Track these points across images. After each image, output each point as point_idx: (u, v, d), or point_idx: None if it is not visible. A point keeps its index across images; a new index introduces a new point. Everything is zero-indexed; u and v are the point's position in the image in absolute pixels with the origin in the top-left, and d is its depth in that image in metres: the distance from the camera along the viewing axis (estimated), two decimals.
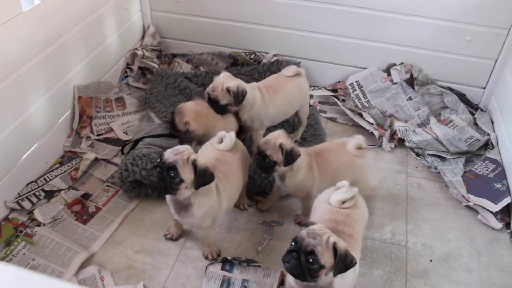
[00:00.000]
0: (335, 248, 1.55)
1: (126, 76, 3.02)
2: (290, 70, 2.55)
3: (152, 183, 1.84)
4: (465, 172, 2.57)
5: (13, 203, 2.23)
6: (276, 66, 3.06)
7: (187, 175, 1.78)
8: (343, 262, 1.55)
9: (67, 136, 2.57)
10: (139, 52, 3.01)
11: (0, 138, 2.11)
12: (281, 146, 2.01)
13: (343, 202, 1.90)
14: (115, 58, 2.92)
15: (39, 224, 2.19)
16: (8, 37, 2.05)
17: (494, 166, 2.58)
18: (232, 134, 2.13)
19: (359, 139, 2.18)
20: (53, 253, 2.09)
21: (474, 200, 2.42)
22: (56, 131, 2.48)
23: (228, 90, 2.32)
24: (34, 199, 2.29)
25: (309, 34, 3.02)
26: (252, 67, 3.08)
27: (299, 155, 2.06)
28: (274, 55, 3.11)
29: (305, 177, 2.14)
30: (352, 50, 3.00)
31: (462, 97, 2.96)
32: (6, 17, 2.02)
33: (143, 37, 3.17)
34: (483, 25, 2.73)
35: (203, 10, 3.07)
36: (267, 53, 3.11)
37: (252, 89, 2.42)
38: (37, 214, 2.21)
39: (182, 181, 1.78)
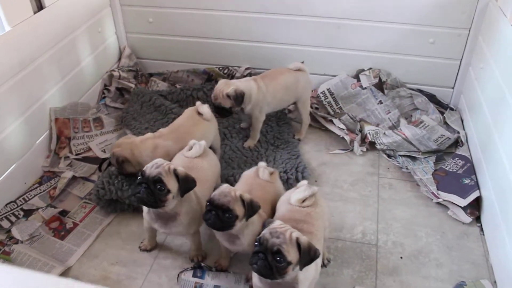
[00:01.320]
0: (298, 243, 1.61)
1: (104, 97, 3.11)
2: (293, 64, 2.81)
3: (140, 200, 1.86)
4: (435, 170, 2.62)
5: None
6: None
7: (172, 185, 1.85)
8: (307, 255, 1.62)
9: (45, 157, 2.66)
10: (116, 73, 3.11)
11: None
12: (241, 198, 1.81)
13: (303, 201, 1.96)
14: (91, 80, 3.03)
15: (17, 242, 2.26)
16: None
17: (463, 162, 2.62)
18: (202, 143, 2.24)
19: (265, 166, 2.16)
20: (30, 268, 2.14)
21: (444, 196, 2.46)
22: (34, 152, 2.57)
23: (228, 96, 2.55)
24: (13, 219, 2.36)
25: (278, 46, 3.12)
26: None
27: (260, 206, 1.87)
28: (247, 69, 3.21)
29: (258, 226, 1.92)
30: (321, 59, 3.09)
31: (433, 98, 3.02)
32: None
33: (120, 59, 3.29)
34: (444, 26, 2.81)
35: (174, 29, 3.19)
36: (239, 67, 3.21)
37: (247, 83, 2.65)
38: (14, 232, 2.28)
39: (169, 191, 1.85)
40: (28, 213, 2.41)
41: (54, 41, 2.65)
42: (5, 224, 2.33)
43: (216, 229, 1.86)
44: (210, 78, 3.24)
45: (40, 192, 2.52)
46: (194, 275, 2.16)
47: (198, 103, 2.57)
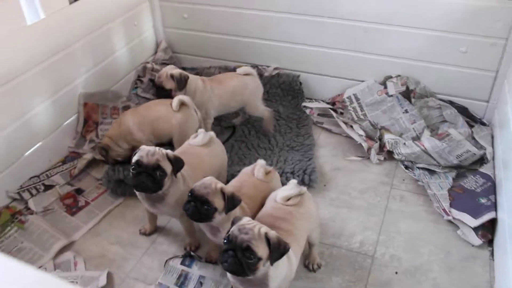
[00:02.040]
0: (267, 238, 1.61)
1: (136, 87, 3.27)
2: (242, 69, 2.85)
3: (144, 188, 1.99)
4: (452, 186, 2.47)
5: (15, 193, 2.51)
6: (276, 79, 3.18)
7: (168, 168, 1.98)
8: (277, 250, 1.62)
9: (72, 138, 2.84)
10: (149, 65, 3.26)
11: (4, 133, 2.40)
12: (222, 191, 1.84)
13: (288, 200, 1.94)
14: (125, 70, 3.19)
15: (32, 213, 2.45)
16: (10, 47, 2.37)
17: (484, 181, 2.45)
18: (210, 133, 2.34)
19: (263, 164, 2.15)
20: (39, 238, 2.32)
21: (455, 214, 2.32)
22: (61, 133, 2.76)
23: (172, 76, 2.64)
24: (34, 192, 2.55)
25: (307, 47, 3.09)
26: None
27: (240, 200, 1.89)
28: (275, 69, 3.22)
29: None
30: (350, 63, 3.02)
31: (464, 111, 2.84)
32: (9, 30, 2.34)
33: (156, 52, 3.43)
34: (477, 34, 2.64)
35: (207, 26, 3.27)
36: (268, 66, 3.23)
37: (195, 79, 2.72)
38: (30, 204, 2.47)
39: (166, 175, 1.97)
40: (48, 188, 2.60)
41: (88, 31, 2.82)
42: (26, 196, 2.53)
43: (194, 219, 1.89)
44: None
45: (62, 171, 2.70)
46: (182, 263, 2.22)
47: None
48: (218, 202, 1.83)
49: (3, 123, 2.41)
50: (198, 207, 1.83)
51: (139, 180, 1.96)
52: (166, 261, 2.21)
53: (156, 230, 2.39)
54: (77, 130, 2.87)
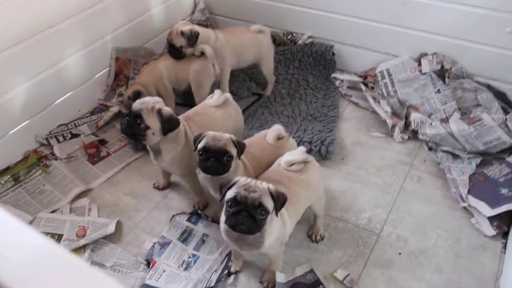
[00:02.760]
0: (270, 192, 1.64)
1: None
2: (255, 26, 2.90)
3: (121, 130, 2.06)
4: (475, 173, 2.36)
5: (43, 139, 2.64)
6: (309, 47, 3.11)
7: (152, 122, 1.99)
8: (279, 201, 1.66)
9: (102, 91, 2.93)
10: None
11: (37, 80, 2.51)
12: (232, 140, 1.90)
13: (292, 165, 1.94)
14: (160, 28, 3.20)
15: (56, 158, 2.57)
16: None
17: (509, 170, 2.33)
18: (227, 95, 2.34)
19: (277, 129, 2.13)
20: (60, 182, 2.45)
21: (471, 201, 2.22)
22: (92, 84, 2.85)
23: (182, 33, 2.61)
24: (61, 139, 2.67)
25: (344, 17, 2.98)
26: (286, 47, 3.17)
27: (245, 145, 1.96)
28: (309, 37, 3.15)
29: (243, 172, 2.03)
30: (385, 37, 2.90)
31: (502, 96, 2.67)
32: None
33: (193, 12, 3.43)
34: None
35: None
36: (302, 34, 3.16)
37: (206, 31, 2.74)
38: (56, 150, 2.59)
39: (147, 127, 1.99)
40: (74, 136, 2.71)
41: None
42: (53, 142, 2.65)
43: (218, 174, 1.90)
44: (275, 42, 3.23)
45: (89, 121, 2.81)
46: (188, 220, 2.27)
47: None
48: (233, 150, 1.88)
49: (37, 70, 2.51)
50: (220, 160, 1.85)
51: (123, 123, 2.04)
52: (173, 216, 2.28)
53: (169, 185, 2.46)
54: (108, 83, 2.96)
